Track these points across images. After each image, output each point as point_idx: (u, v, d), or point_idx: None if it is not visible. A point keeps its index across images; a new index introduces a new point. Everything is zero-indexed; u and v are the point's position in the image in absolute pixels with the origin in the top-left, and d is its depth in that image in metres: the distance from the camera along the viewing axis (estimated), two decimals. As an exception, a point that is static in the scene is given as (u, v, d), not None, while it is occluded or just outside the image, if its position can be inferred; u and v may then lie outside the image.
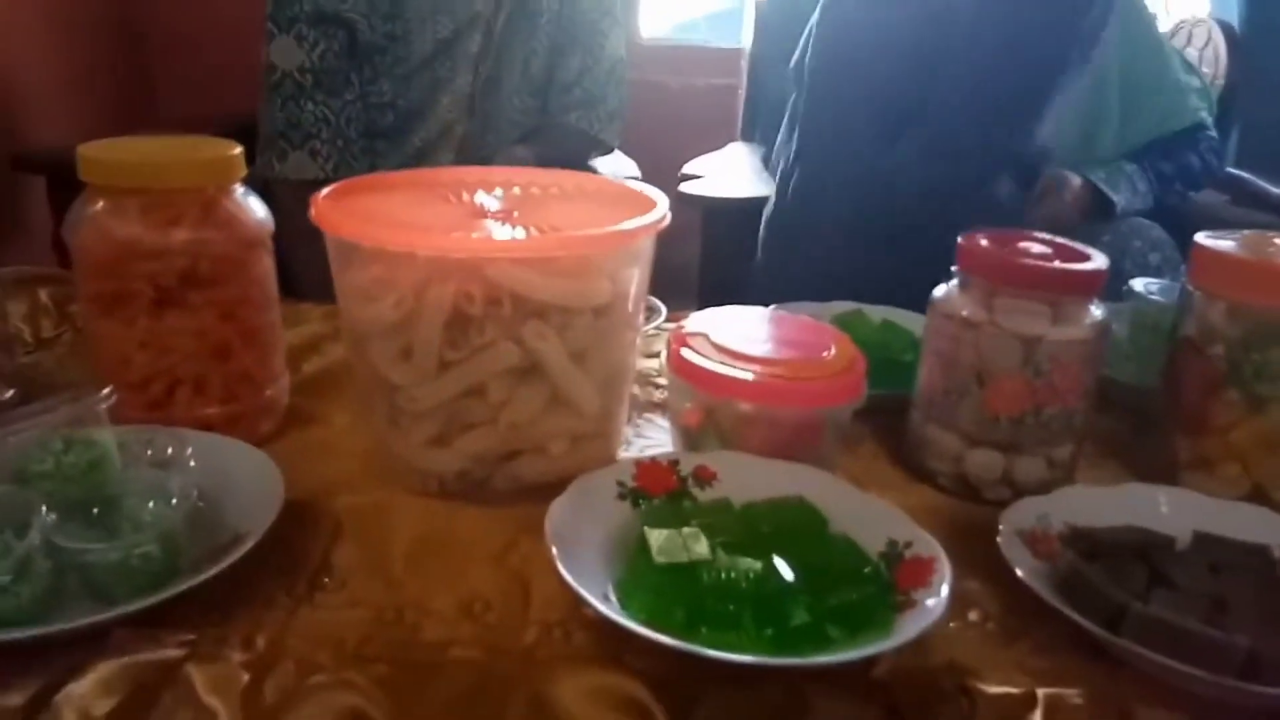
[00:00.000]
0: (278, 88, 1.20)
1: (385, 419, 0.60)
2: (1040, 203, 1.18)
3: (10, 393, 0.67)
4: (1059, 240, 0.65)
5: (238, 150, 0.61)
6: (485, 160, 1.28)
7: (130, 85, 2.12)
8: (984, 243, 0.64)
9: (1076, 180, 1.20)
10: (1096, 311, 0.61)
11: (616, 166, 1.63)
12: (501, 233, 0.58)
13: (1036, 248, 0.63)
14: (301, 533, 0.54)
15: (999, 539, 0.52)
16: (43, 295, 0.87)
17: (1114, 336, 0.72)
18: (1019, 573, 0.49)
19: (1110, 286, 0.63)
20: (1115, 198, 1.20)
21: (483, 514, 0.58)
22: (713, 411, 0.62)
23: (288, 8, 1.19)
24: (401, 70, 1.23)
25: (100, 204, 0.58)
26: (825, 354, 0.62)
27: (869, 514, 0.54)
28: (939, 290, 0.65)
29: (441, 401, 0.57)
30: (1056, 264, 0.61)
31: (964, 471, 0.64)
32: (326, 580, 0.51)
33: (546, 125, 1.39)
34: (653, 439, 0.71)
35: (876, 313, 0.86)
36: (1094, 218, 1.20)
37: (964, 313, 0.62)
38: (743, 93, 1.85)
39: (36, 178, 1.43)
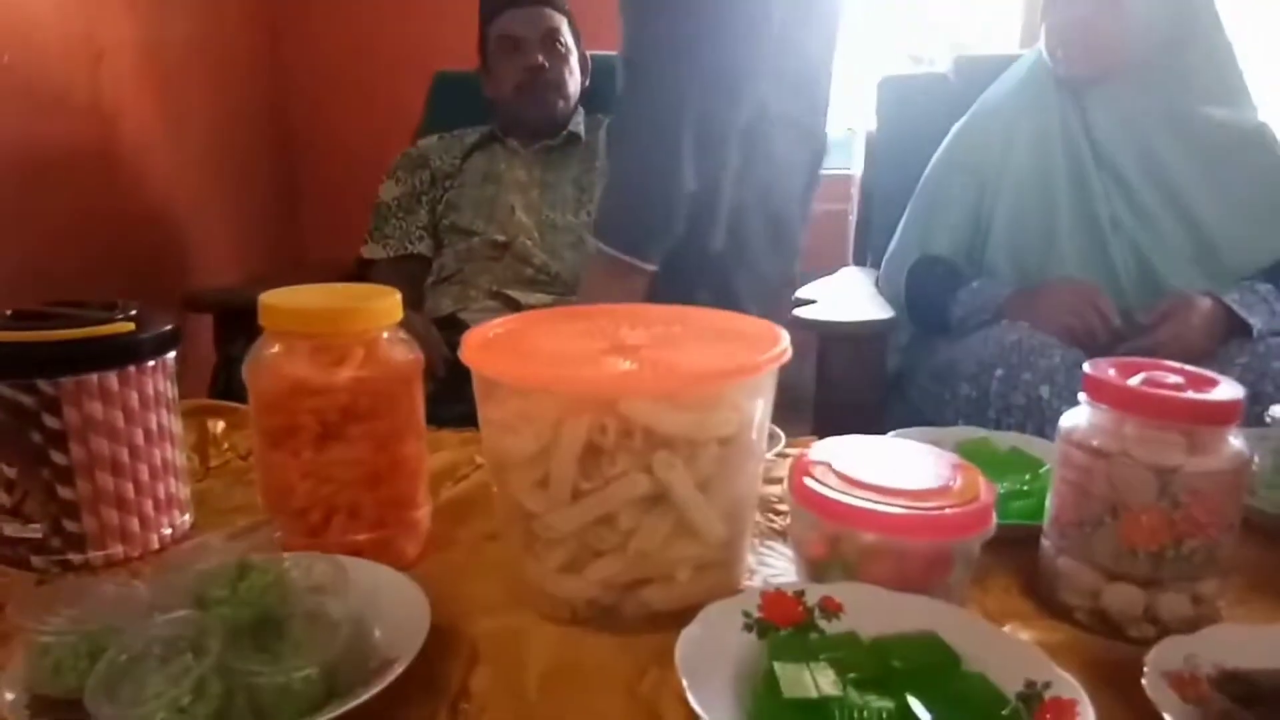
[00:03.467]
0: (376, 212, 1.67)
1: (521, 545, 0.63)
2: (1164, 326, 1.16)
3: (186, 518, 0.74)
4: (1189, 368, 0.64)
5: (396, 296, 0.67)
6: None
7: (283, 229, 2.33)
8: (1111, 371, 0.64)
9: (1205, 303, 1.17)
10: (1235, 441, 0.60)
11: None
12: (633, 368, 0.61)
13: (1168, 376, 0.63)
14: (442, 657, 0.57)
15: (1144, 681, 0.50)
16: (210, 425, 0.96)
17: (1257, 464, 0.70)
18: (1167, 718, 0.47)
19: (1250, 411, 0.62)
20: (1252, 320, 1.16)
21: (613, 641, 0.59)
22: (837, 541, 0.62)
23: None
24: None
25: (276, 347, 0.65)
26: (952, 483, 0.63)
27: (1004, 651, 0.53)
28: (1068, 418, 0.65)
29: (574, 529, 0.60)
30: (1189, 393, 0.60)
31: (1102, 607, 0.62)
32: (465, 706, 0.54)
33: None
34: (775, 567, 0.72)
35: (1003, 440, 0.85)
36: (1228, 340, 1.17)
37: (1094, 442, 0.62)
38: (853, 218, 1.89)
39: (201, 315, 1.58)
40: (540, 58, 1.63)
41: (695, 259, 1.05)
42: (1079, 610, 0.63)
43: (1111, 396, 0.62)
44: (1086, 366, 0.64)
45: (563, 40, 1.65)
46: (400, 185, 1.71)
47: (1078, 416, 0.64)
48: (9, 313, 0.70)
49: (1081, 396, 0.64)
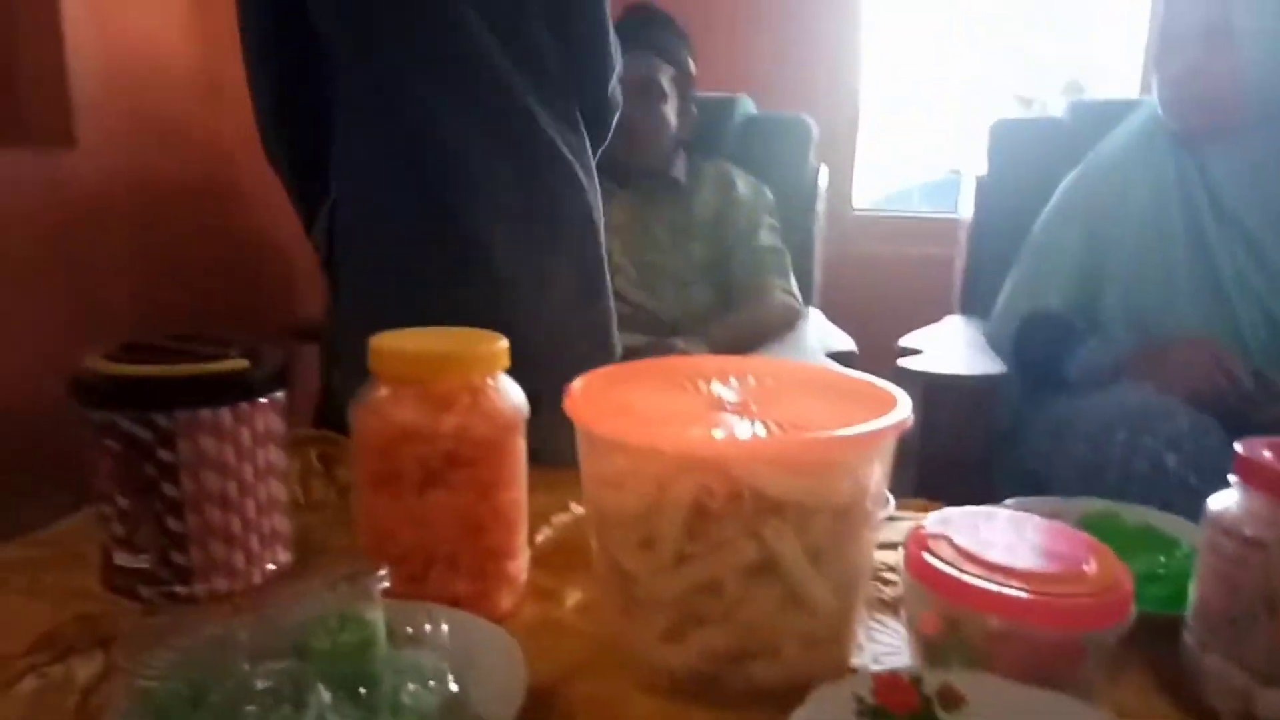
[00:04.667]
0: None
1: (620, 607, 0.61)
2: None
3: (288, 555, 0.74)
4: (1359, 453, 0.58)
5: (503, 344, 0.66)
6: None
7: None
8: (1266, 453, 0.58)
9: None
10: None
11: (826, 336, 1.64)
12: (743, 429, 0.59)
13: (1332, 461, 0.57)
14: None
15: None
16: (313, 457, 0.97)
17: None
18: None
19: None
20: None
21: (714, 716, 0.57)
22: (956, 623, 0.58)
23: None
24: None
25: (384, 391, 0.65)
26: (1085, 567, 0.58)
27: (1146, 760, 0.49)
28: (1216, 502, 0.60)
29: (677, 594, 0.58)
30: (1361, 483, 0.54)
31: (1255, 713, 0.56)
32: (561, 774, 0.52)
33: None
34: (884, 643, 0.68)
35: (1135, 514, 0.80)
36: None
37: (1248, 531, 0.56)
38: (960, 264, 1.83)
39: (306, 344, 1.63)
40: (628, 104, 1.63)
41: None
42: (1228, 715, 0.57)
43: (1268, 481, 0.57)
44: (1238, 446, 0.59)
45: (661, 88, 1.66)
46: None
47: (1227, 500, 0.59)
48: (120, 346, 0.71)
49: (1232, 479, 0.59)
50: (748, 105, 1.94)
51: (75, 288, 1.40)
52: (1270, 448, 0.59)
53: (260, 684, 0.49)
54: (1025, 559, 0.59)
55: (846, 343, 1.56)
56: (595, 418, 0.59)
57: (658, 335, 1.55)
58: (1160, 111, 1.30)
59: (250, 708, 0.48)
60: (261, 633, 0.53)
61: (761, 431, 0.58)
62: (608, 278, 1.16)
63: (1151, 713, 0.59)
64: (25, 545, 0.78)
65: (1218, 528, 0.58)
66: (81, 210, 1.41)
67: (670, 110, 1.67)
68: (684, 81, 1.69)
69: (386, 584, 0.54)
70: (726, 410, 0.63)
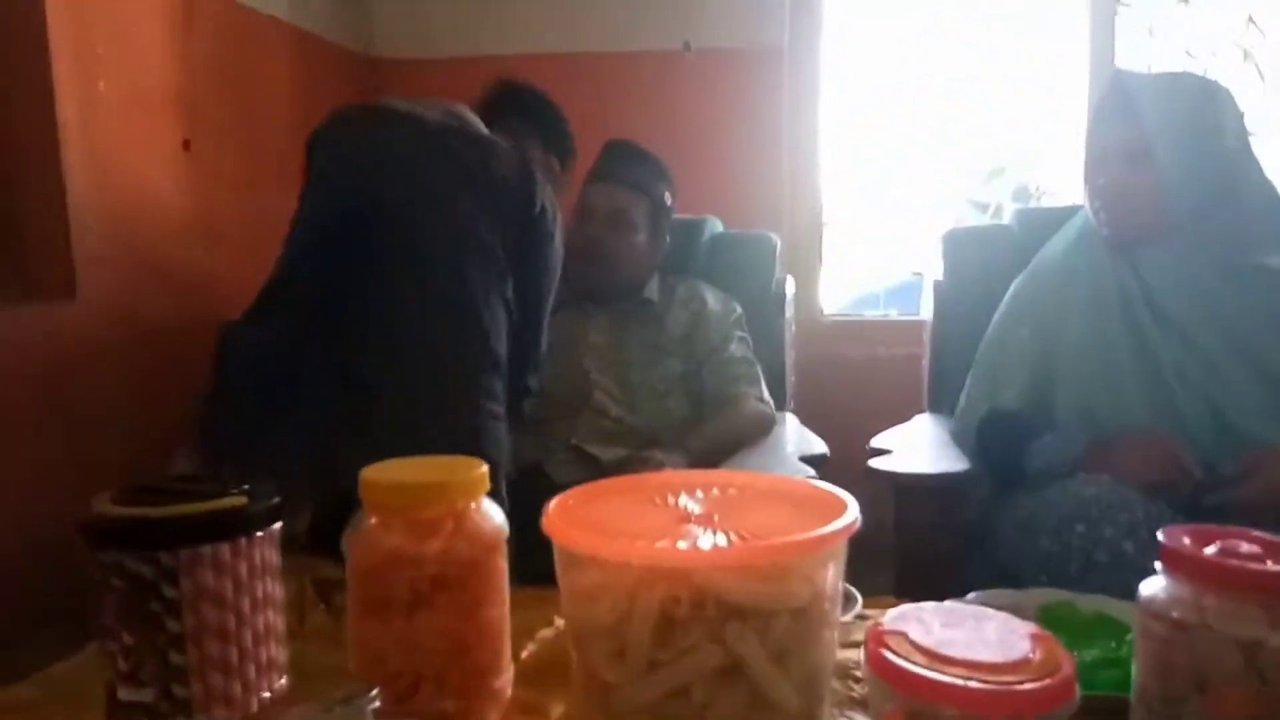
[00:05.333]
0: None
1: (600, 717, 0.64)
2: (1252, 478, 1.14)
3: (282, 681, 0.77)
4: (1267, 536, 0.64)
5: (484, 469, 0.72)
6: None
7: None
8: (1186, 540, 0.64)
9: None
10: (1324, 614, 0.59)
11: (800, 440, 1.69)
12: (706, 539, 0.64)
13: (1244, 546, 0.62)
14: (524, 832, 0.58)
15: None
16: (306, 584, 1.00)
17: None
18: None
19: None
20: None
21: (692, 818, 0.59)
22: (917, 716, 0.62)
23: None
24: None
25: (373, 520, 0.70)
26: (1031, 655, 0.62)
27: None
28: (1146, 587, 0.64)
29: (650, 701, 0.61)
30: (1269, 565, 0.60)
31: (1197, 788, 0.60)
32: None
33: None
34: (855, 738, 0.71)
35: (1089, 603, 0.84)
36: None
37: (1174, 614, 0.61)
38: (925, 364, 1.91)
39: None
40: (598, 230, 1.73)
41: None
42: (1172, 791, 0.61)
43: (1189, 568, 0.62)
44: (1160, 535, 0.64)
45: (631, 219, 1.74)
46: None
47: (1155, 586, 0.64)
48: (124, 488, 0.76)
49: (1158, 566, 0.64)
50: (715, 225, 2.05)
51: (72, 433, 1.44)
52: (1191, 535, 0.64)
53: (261, 805, 0.52)
54: (977, 651, 0.63)
55: (819, 446, 1.62)
56: (571, 535, 0.64)
57: (637, 447, 1.61)
58: (1093, 220, 1.40)
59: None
60: (261, 757, 0.56)
61: (723, 541, 0.63)
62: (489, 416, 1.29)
63: (1104, 793, 0.62)
64: (29, 685, 0.81)
65: (1148, 612, 0.63)
66: (80, 359, 1.46)
67: (641, 239, 1.76)
68: (657, 213, 1.78)
69: (378, 704, 0.57)
70: (692, 521, 0.68)
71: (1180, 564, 0.62)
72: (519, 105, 1.67)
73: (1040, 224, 1.67)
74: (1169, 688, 0.61)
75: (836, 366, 2.32)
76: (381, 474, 0.71)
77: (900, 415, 1.74)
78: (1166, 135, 1.30)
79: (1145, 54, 2.45)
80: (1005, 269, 1.58)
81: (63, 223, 1.43)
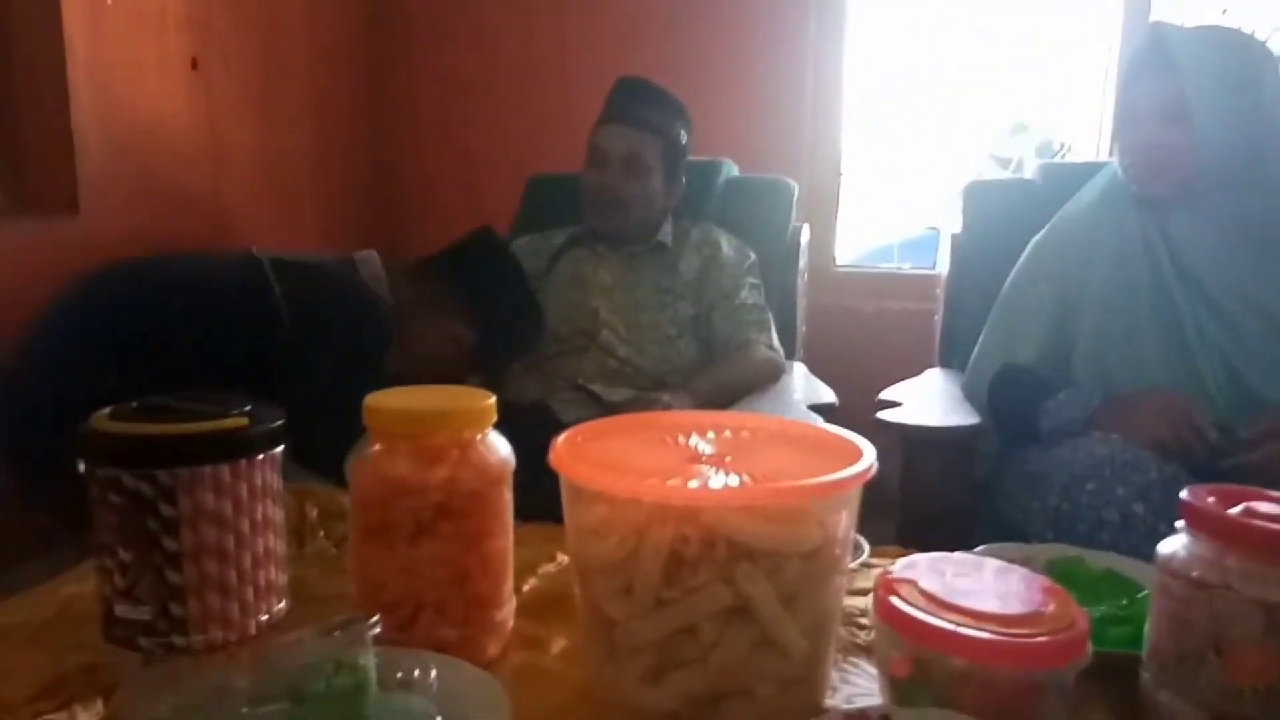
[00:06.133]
0: None
1: (603, 652, 0.63)
2: (1268, 442, 1.12)
3: (282, 605, 0.77)
4: (1296, 497, 0.62)
5: (491, 400, 0.70)
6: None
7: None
8: (1210, 499, 0.62)
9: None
10: (1348, 577, 0.57)
11: (809, 389, 1.68)
12: (717, 480, 0.62)
13: (1267, 506, 0.61)
14: (523, 762, 0.57)
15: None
16: (307, 509, 0.99)
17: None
18: None
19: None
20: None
21: (692, 756, 0.59)
22: (924, 664, 0.61)
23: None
24: None
25: (377, 446, 0.68)
26: (1044, 609, 0.61)
27: (1101, 792, 0.51)
28: (1165, 545, 0.63)
29: (656, 638, 0.61)
30: (1295, 526, 0.58)
31: (1206, 747, 0.59)
32: (544, 814, 0.54)
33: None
34: (857, 685, 0.70)
35: (1098, 560, 0.83)
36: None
37: (1194, 573, 0.60)
38: (939, 319, 1.88)
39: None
40: (612, 178, 1.68)
41: None
42: (1181, 750, 0.60)
43: (1212, 527, 0.60)
44: (1184, 493, 0.63)
45: (645, 163, 1.69)
46: None
47: (1175, 545, 0.62)
48: (134, 405, 0.75)
49: (1180, 524, 0.62)
50: (731, 168, 2.01)
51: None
52: (1216, 495, 0.63)
53: (257, 726, 0.51)
54: (987, 603, 0.62)
55: (828, 395, 1.60)
56: (580, 470, 0.62)
57: (643, 389, 1.59)
58: (1122, 175, 1.37)
59: (248, 749, 0.50)
60: (259, 678, 0.55)
61: (735, 482, 0.62)
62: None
63: (1110, 749, 0.62)
64: (26, 599, 0.81)
65: (1167, 571, 0.62)
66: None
67: (655, 183, 1.72)
68: (673, 154, 1.73)
69: (378, 630, 0.56)
70: (703, 462, 0.66)
71: (1204, 523, 0.61)
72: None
73: (1065, 179, 1.63)
74: (1185, 647, 0.60)
75: (847, 318, 2.30)
76: (387, 400, 0.69)
77: (910, 370, 1.72)
78: (1205, 95, 1.25)
79: (1179, 5, 2.37)
80: (1027, 224, 1.54)
81: (66, 139, 1.40)
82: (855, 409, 1.48)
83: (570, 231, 1.80)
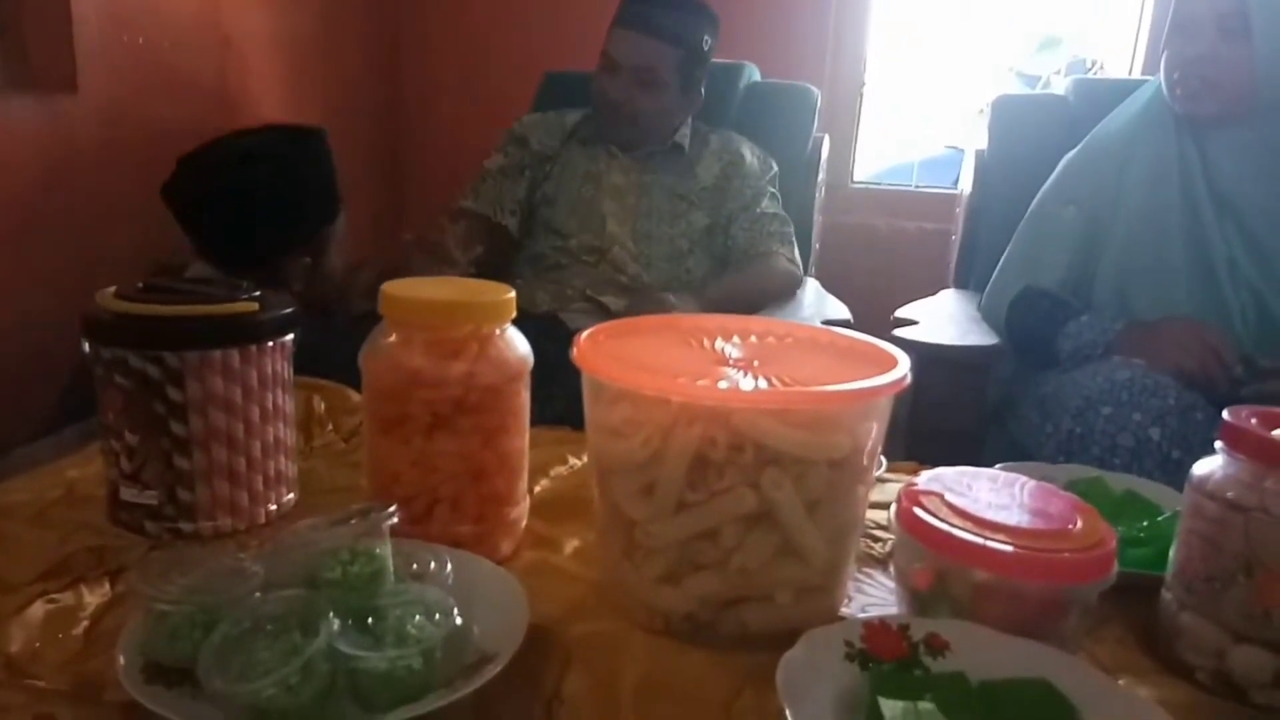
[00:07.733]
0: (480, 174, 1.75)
1: (620, 551, 0.62)
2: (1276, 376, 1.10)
3: (291, 496, 0.76)
4: (1341, 423, 0.60)
5: (510, 295, 0.67)
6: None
7: (389, 219, 2.39)
8: (1253, 420, 0.60)
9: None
10: (1389, 505, 0.56)
11: (823, 304, 1.65)
12: (747, 383, 0.60)
13: (1315, 430, 0.59)
14: (536, 657, 0.57)
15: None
16: (315, 404, 0.98)
17: None
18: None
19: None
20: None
21: (708, 658, 0.58)
22: (945, 576, 0.60)
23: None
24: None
25: (394, 337, 0.66)
26: (1072, 526, 0.60)
27: (1121, 707, 0.51)
28: (1200, 466, 0.61)
29: (676, 540, 0.60)
30: (1340, 450, 0.56)
31: (1227, 669, 0.58)
32: (559, 709, 0.53)
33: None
34: (872, 595, 0.70)
35: (1118, 481, 0.82)
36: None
37: (1230, 495, 0.58)
38: (956, 239, 1.84)
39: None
40: (622, 89, 1.60)
41: None
42: (1200, 670, 0.60)
43: (1252, 449, 0.58)
44: (1226, 414, 0.61)
45: (660, 76, 1.60)
46: (506, 158, 1.73)
47: (1212, 465, 0.61)
48: (140, 285, 0.72)
49: (1218, 445, 0.60)
50: (753, 72, 1.94)
51: (79, 230, 1.40)
52: (1257, 416, 0.61)
53: (270, 610, 0.50)
54: (1013, 517, 0.61)
55: (842, 311, 1.57)
56: (604, 367, 0.60)
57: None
58: (1165, 93, 1.31)
59: (260, 634, 0.49)
60: (274, 564, 0.54)
61: (764, 386, 0.60)
62: None
63: (1128, 666, 0.61)
64: (32, 479, 0.79)
65: (1201, 491, 0.60)
66: (82, 155, 1.40)
67: (669, 97, 1.63)
68: (692, 63, 1.63)
69: (395, 520, 0.55)
70: (730, 365, 0.64)
71: (1243, 444, 0.59)
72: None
73: (1100, 96, 1.57)
74: (1214, 569, 0.59)
75: (862, 235, 2.25)
76: (405, 289, 0.66)
77: (924, 290, 1.68)
78: (1269, 6, 1.19)
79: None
80: (1056, 143, 1.49)
81: (65, 14, 1.34)
82: (868, 327, 1.45)
83: (585, 111, 1.73)
